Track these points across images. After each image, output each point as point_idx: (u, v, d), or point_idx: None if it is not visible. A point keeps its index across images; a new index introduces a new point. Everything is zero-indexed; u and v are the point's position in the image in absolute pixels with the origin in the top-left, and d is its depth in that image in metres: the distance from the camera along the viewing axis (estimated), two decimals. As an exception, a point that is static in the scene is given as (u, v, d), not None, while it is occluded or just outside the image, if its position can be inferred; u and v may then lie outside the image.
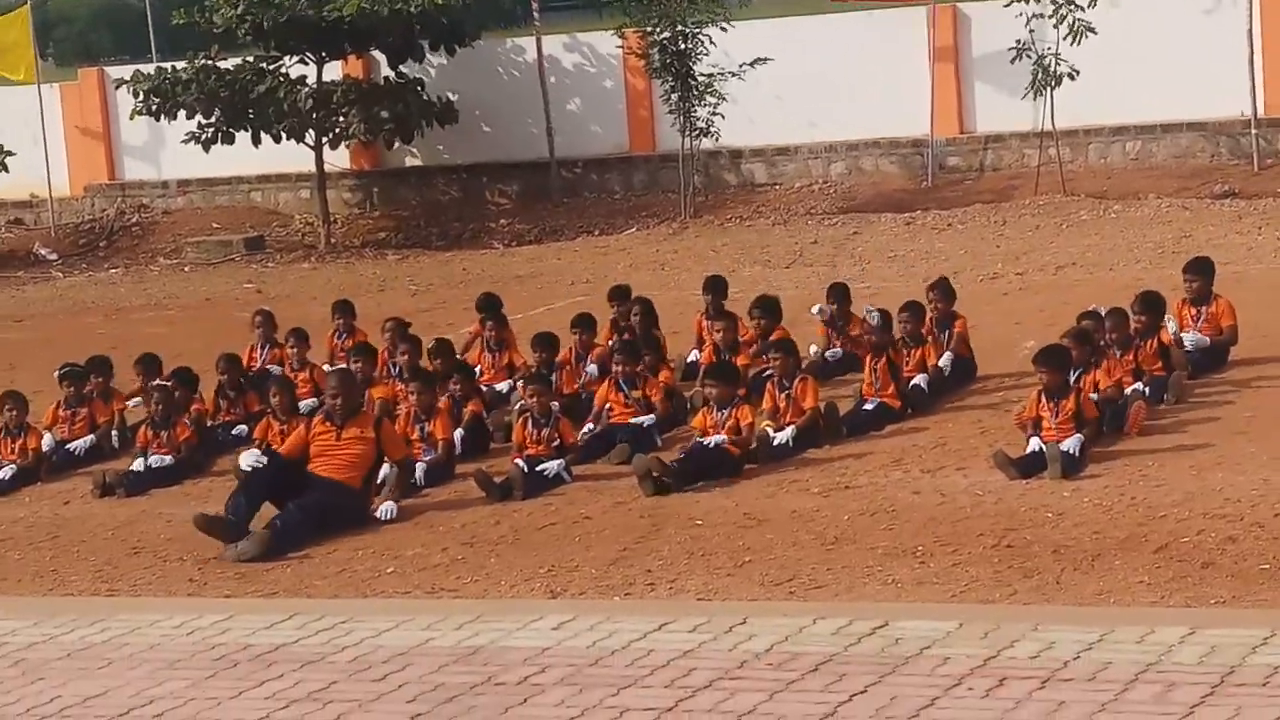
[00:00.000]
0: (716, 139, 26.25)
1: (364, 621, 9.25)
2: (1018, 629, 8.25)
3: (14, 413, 14.53)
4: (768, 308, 14.98)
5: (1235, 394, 13.68)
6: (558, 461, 12.70)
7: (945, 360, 14.24)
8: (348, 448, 12.28)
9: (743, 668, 8.04)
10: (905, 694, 7.54)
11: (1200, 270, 14.42)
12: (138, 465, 13.90)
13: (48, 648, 9.26)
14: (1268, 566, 9.48)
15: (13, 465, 14.23)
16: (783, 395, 13.22)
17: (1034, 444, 12.05)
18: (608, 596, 9.93)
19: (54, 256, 28.65)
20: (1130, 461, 11.92)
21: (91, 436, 14.78)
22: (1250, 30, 24.48)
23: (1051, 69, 24.26)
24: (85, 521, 12.88)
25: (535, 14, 28.22)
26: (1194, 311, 14.24)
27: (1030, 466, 11.80)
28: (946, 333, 14.49)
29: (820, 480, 12.15)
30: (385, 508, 12.13)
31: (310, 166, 27.78)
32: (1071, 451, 11.81)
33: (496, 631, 8.88)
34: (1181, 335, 13.95)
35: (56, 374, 15.30)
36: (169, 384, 14.75)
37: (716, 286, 15.68)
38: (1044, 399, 12.34)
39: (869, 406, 13.61)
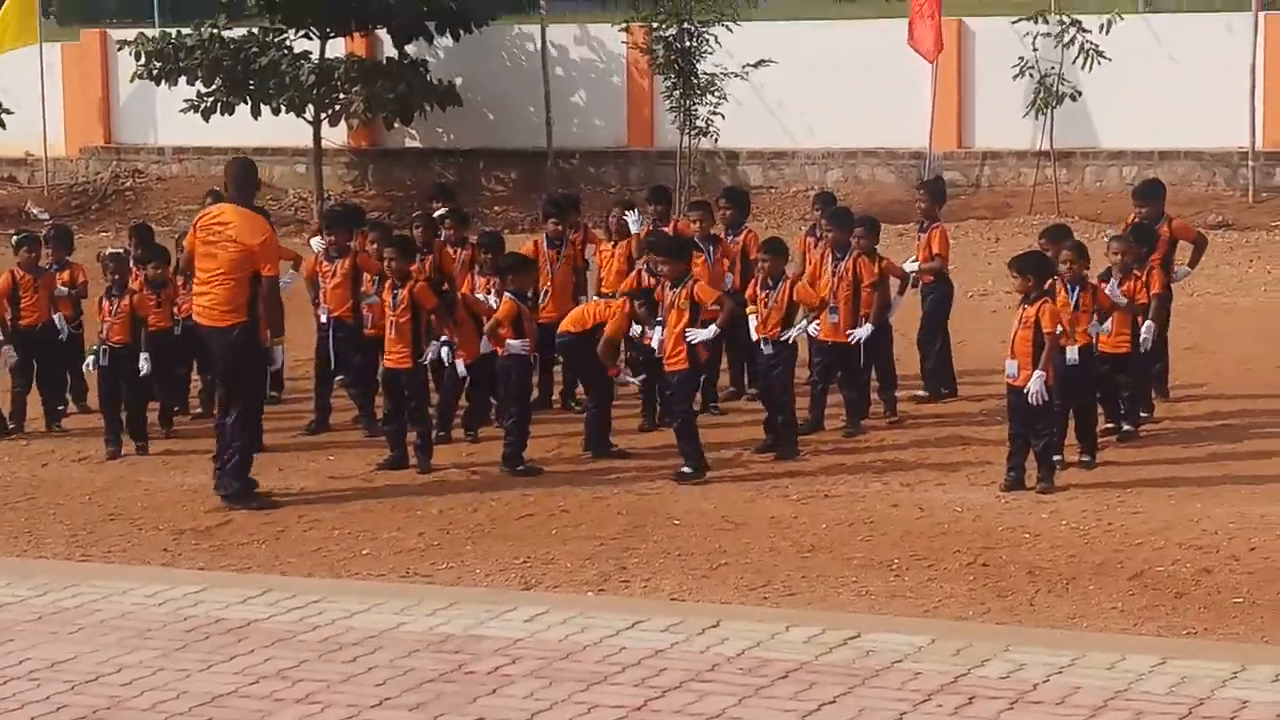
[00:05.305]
0: (715, 139, 26.23)
1: (336, 602, 9.27)
2: (989, 648, 8.28)
3: None
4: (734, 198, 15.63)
5: (1216, 425, 13.72)
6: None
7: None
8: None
9: (713, 670, 8.06)
10: (874, 706, 7.56)
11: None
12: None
13: (19, 610, 9.27)
14: (1241, 600, 9.52)
15: None
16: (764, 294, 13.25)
17: (1010, 367, 12.00)
18: (582, 591, 9.94)
19: (45, 216, 28.52)
20: (1108, 488, 11.95)
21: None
22: (1253, 63, 24.48)
23: (1054, 89, 24.29)
24: (62, 484, 12.87)
25: (542, 2, 28.17)
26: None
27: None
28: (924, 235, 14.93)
29: (800, 487, 12.17)
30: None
31: (307, 141, 27.68)
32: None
33: (469, 620, 8.89)
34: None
35: (13, 240, 15.25)
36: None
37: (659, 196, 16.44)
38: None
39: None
